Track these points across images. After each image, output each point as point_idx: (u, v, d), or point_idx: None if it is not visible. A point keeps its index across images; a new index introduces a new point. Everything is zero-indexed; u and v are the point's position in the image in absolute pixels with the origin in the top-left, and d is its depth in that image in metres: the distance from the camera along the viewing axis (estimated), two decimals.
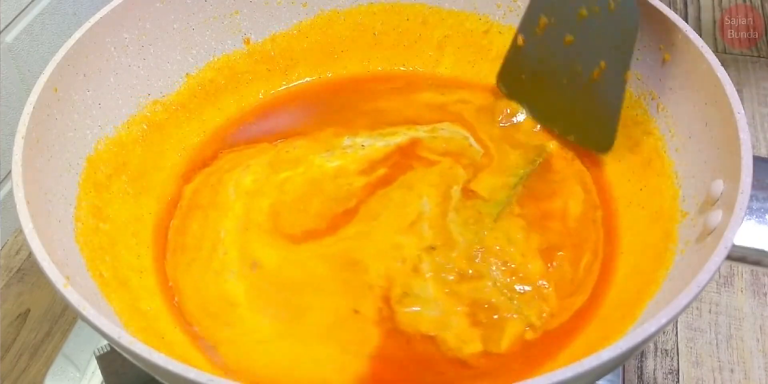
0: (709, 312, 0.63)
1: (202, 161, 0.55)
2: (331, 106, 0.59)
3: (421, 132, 0.56)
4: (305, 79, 0.61)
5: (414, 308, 0.45)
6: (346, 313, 0.46)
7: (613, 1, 0.48)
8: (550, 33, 0.53)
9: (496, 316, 0.45)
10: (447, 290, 0.46)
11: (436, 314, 0.45)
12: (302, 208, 0.51)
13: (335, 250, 0.48)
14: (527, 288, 0.46)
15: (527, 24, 0.55)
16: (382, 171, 0.53)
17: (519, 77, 0.56)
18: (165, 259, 0.49)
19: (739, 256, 0.39)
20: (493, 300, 0.45)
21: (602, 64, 0.50)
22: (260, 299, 0.46)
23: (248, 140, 0.56)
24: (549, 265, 0.47)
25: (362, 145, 0.55)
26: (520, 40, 0.55)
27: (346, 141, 0.55)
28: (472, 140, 0.55)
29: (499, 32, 0.59)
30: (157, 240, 0.50)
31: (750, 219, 0.40)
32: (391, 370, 0.43)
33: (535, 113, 0.56)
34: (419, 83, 0.60)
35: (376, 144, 0.55)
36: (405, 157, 0.54)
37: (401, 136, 0.56)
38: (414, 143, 0.55)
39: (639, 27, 0.48)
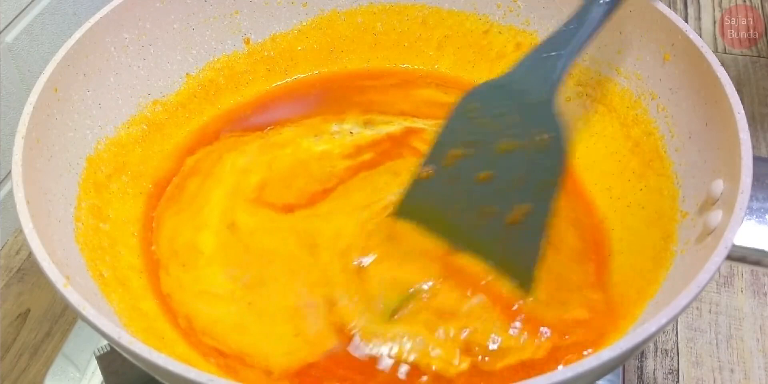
0: (709, 312, 0.63)
1: (207, 140, 0.56)
2: (325, 99, 0.59)
3: (419, 124, 0.56)
4: (303, 74, 0.61)
5: (382, 348, 0.43)
6: (312, 301, 0.45)
7: (539, 135, 0.42)
8: (461, 167, 0.46)
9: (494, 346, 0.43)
10: (427, 324, 0.44)
11: (418, 345, 0.43)
12: (286, 184, 0.52)
13: (306, 226, 0.49)
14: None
15: (436, 154, 0.47)
16: (368, 156, 0.54)
17: (421, 215, 0.48)
18: (156, 207, 0.51)
19: (739, 256, 0.39)
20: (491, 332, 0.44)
21: (523, 205, 0.43)
22: (225, 255, 0.48)
23: (244, 128, 0.57)
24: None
25: (350, 132, 0.56)
26: (425, 173, 0.47)
27: (334, 127, 0.56)
28: None
29: (499, 32, 0.59)
30: (153, 194, 0.52)
31: (750, 219, 0.40)
32: (348, 370, 0.43)
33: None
34: (418, 81, 0.60)
35: (364, 132, 0.56)
36: (396, 146, 0.55)
37: (395, 126, 0.56)
38: (409, 133, 0.55)
39: (565, 169, 0.42)
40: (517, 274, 0.44)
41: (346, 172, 0.53)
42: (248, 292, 0.46)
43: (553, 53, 0.43)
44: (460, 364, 0.42)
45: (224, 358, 0.43)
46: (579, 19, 0.45)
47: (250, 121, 0.58)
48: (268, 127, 0.57)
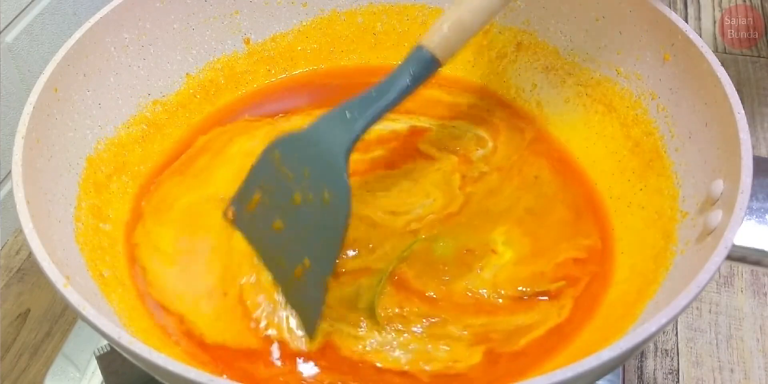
0: (709, 312, 0.63)
1: (220, 121, 0.57)
2: (333, 92, 0.60)
3: (424, 123, 0.56)
4: (306, 69, 0.61)
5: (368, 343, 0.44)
6: (223, 290, 0.46)
7: (327, 192, 0.43)
8: (260, 213, 0.47)
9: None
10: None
11: (412, 355, 0.43)
12: None
13: None
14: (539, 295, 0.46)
15: (241, 196, 0.48)
16: (378, 152, 0.54)
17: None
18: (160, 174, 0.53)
19: (739, 256, 0.39)
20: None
21: (306, 261, 0.43)
22: (189, 220, 0.50)
23: (260, 114, 0.58)
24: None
25: None
26: (229, 214, 0.49)
27: None
28: (488, 146, 0.55)
29: (499, 32, 0.59)
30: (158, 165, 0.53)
31: (750, 219, 0.40)
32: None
33: None
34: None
35: None
36: (404, 146, 0.55)
37: (400, 123, 0.56)
38: (414, 133, 0.56)
39: (346, 228, 0.42)
40: (305, 328, 0.44)
41: (357, 164, 0.53)
42: (180, 258, 0.47)
43: (354, 114, 0.44)
44: (472, 355, 0.43)
45: (170, 316, 0.45)
46: (386, 86, 0.45)
47: (264, 108, 0.58)
48: (279, 115, 0.57)
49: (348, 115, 0.44)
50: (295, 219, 0.45)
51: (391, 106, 0.45)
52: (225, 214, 0.49)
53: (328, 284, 0.43)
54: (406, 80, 0.45)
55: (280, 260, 0.45)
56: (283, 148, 0.46)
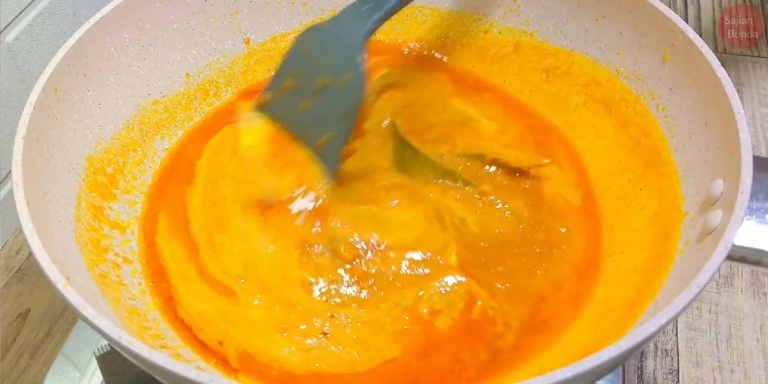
0: (709, 312, 0.63)
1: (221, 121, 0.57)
2: None
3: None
4: None
5: None
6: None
7: (346, 75, 0.49)
8: (291, 96, 0.52)
9: None
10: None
11: None
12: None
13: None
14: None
15: (275, 82, 0.53)
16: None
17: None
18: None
19: (739, 256, 0.39)
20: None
21: (327, 135, 0.50)
22: (203, 214, 0.51)
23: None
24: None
25: None
26: (263, 98, 0.53)
27: None
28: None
29: (499, 32, 0.59)
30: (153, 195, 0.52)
31: (750, 219, 0.40)
32: None
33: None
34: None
35: None
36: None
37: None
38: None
39: (361, 105, 0.49)
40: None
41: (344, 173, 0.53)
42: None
43: (372, 6, 0.50)
44: None
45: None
46: None
47: None
48: None
49: (368, 7, 0.50)
50: (320, 99, 0.50)
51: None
52: (257, 100, 0.53)
53: (343, 153, 0.50)
54: None
55: (306, 134, 0.51)
56: (312, 38, 0.52)
